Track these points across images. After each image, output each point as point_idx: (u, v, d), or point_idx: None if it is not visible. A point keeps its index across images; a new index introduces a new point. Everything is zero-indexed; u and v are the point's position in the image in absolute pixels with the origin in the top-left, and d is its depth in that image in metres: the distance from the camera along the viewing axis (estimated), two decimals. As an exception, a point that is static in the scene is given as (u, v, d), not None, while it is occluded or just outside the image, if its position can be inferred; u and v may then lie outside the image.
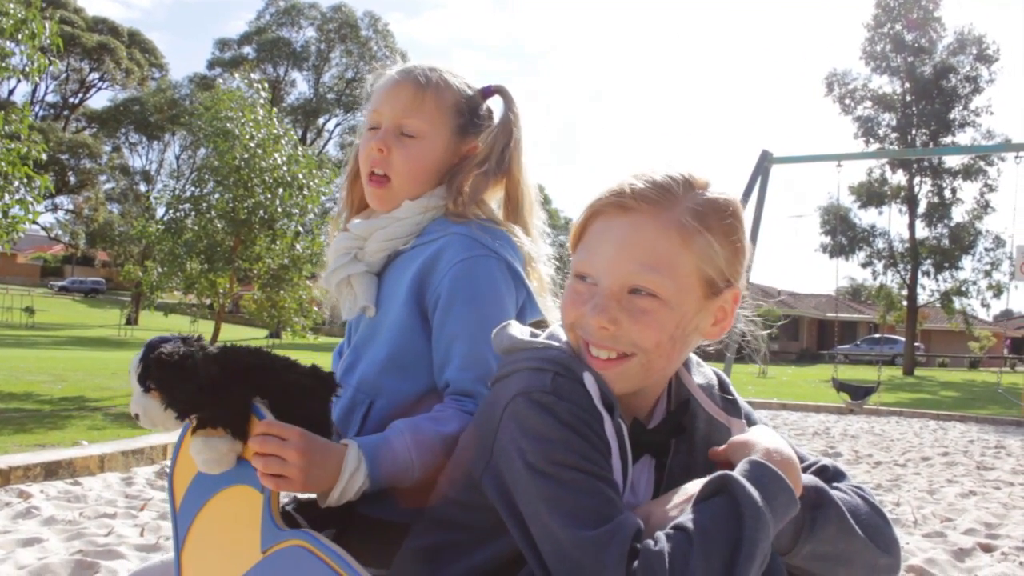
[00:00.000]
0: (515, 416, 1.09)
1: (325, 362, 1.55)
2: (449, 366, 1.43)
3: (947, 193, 32.23)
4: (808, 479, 1.10)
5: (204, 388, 1.26)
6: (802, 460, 1.20)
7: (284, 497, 1.48)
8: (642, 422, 1.20)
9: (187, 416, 1.29)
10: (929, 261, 32.30)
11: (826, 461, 1.21)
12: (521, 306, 1.54)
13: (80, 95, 51.82)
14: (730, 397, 1.29)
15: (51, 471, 4.85)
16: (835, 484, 1.16)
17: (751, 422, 1.27)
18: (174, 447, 1.48)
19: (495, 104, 1.65)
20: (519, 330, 1.24)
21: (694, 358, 1.31)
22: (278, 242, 10.65)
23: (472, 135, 1.61)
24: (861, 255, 33.62)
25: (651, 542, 0.95)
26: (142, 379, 1.29)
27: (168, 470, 1.51)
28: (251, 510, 1.31)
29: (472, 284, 1.44)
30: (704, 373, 1.30)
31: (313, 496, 1.46)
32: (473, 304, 1.42)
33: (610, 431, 1.09)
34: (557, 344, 1.18)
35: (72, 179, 45.86)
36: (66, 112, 51.10)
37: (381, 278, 1.59)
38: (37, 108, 46.92)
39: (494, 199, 1.63)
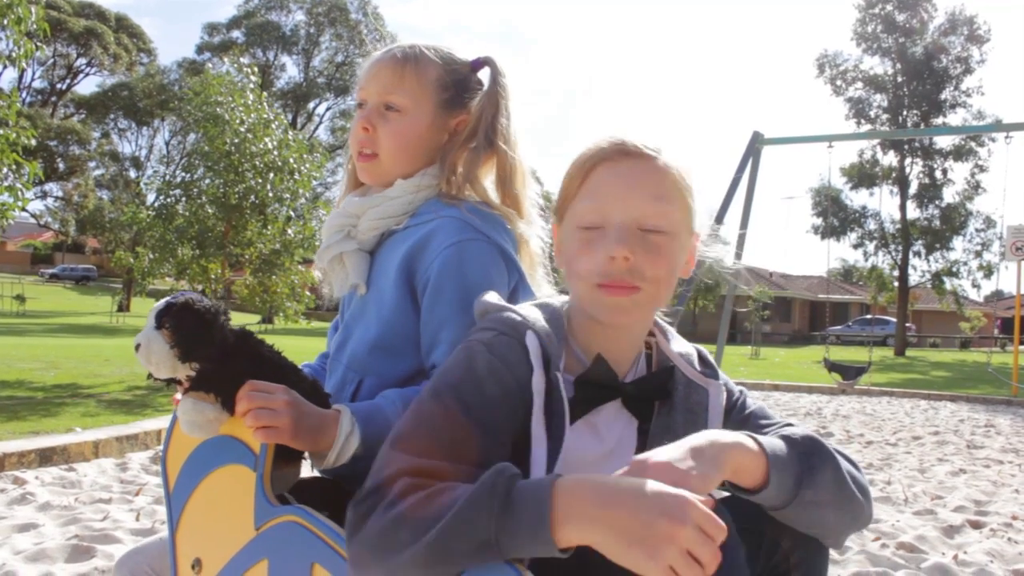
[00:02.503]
0: (447, 362, 1.19)
1: (318, 347, 1.56)
2: (436, 350, 1.44)
3: (938, 174, 32.25)
4: (801, 431, 1.16)
5: (214, 344, 1.30)
6: (769, 419, 1.28)
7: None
8: (615, 372, 1.23)
9: (188, 359, 1.30)
10: (920, 242, 32.36)
11: (793, 422, 1.26)
12: (513, 288, 1.54)
13: (68, 81, 51.35)
14: (708, 364, 1.34)
15: (45, 457, 4.85)
16: None
17: (731, 391, 1.33)
18: (167, 430, 1.50)
19: (485, 76, 1.64)
20: (493, 296, 1.29)
21: (671, 330, 1.36)
22: (269, 227, 10.62)
23: (461, 109, 1.60)
24: (852, 236, 33.66)
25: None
26: (159, 316, 1.31)
27: (161, 452, 1.52)
28: (244, 488, 1.32)
29: (462, 268, 1.43)
30: (682, 344, 1.35)
31: (305, 478, 1.47)
32: (463, 289, 1.42)
33: (539, 386, 1.14)
34: (525, 310, 1.23)
35: (61, 166, 45.51)
36: (54, 98, 50.64)
37: (373, 256, 1.59)
38: (24, 94, 46.44)
39: (488, 176, 1.62)
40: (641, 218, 1.16)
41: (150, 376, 1.35)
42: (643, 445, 1.23)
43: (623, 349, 1.27)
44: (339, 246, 1.57)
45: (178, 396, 1.37)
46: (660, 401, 1.26)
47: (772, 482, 1.07)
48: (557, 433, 1.15)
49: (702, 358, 1.34)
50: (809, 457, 1.12)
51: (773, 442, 1.11)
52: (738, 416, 1.30)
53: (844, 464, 1.17)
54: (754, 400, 1.34)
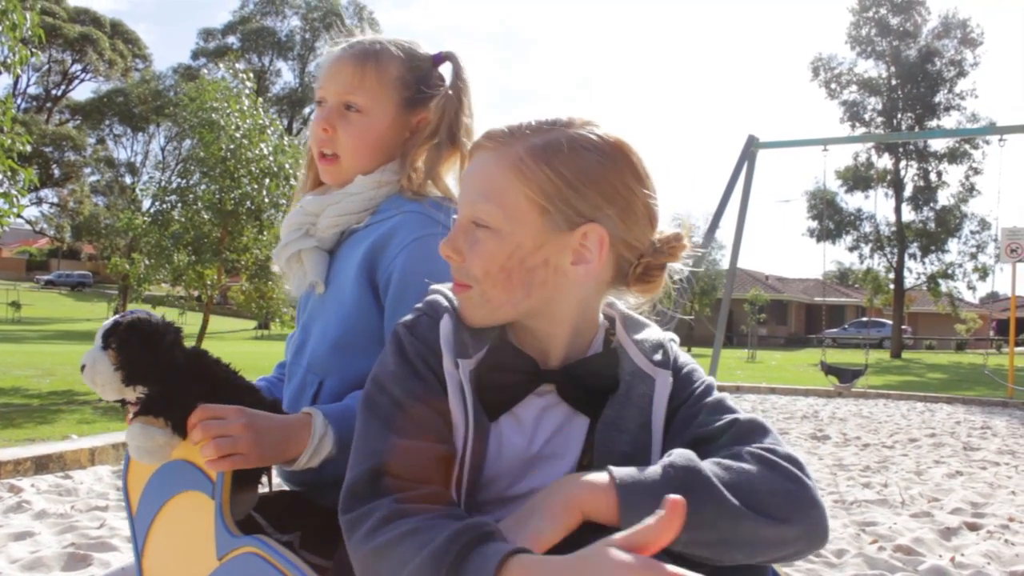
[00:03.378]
0: (381, 355, 1.18)
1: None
2: None
3: (933, 177, 32.39)
4: (681, 459, 1.01)
5: (161, 366, 1.25)
6: (718, 415, 1.13)
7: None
8: (536, 360, 1.15)
9: (133, 382, 1.26)
10: (915, 244, 32.48)
11: (740, 416, 1.12)
12: None
13: (63, 87, 51.31)
14: (666, 351, 1.21)
15: (41, 465, 4.84)
16: (738, 450, 1.06)
17: (684, 372, 1.20)
18: (125, 454, 1.47)
19: (447, 71, 1.60)
20: (437, 285, 1.26)
21: (640, 319, 1.25)
22: (265, 233, 10.61)
23: (422, 106, 1.57)
24: (848, 239, 33.79)
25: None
26: (106, 335, 1.27)
27: (122, 477, 1.50)
28: (204, 516, 1.30)
29: (426, 264, 1.40)
30: (649, 332, 1.23)
31: (274, 493, 1.46)
32: (426, 285, 1.37)
33: (450, 370, 1.11)
34: (450, 292, 1.21)
35: (56, 172, 45.43)
36: (49, 104, 50.59)
37: (333, 255, 1.56)
38: (19, 100, 46.43)
39: (451, 172, 1.58)
40: (470, 213, 1.13)
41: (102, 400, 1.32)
42: (590, 446, 1.15)
43: (553, 335, 1.16)
44: (297, 244, 1.54)
45: (129, 418, 1.33)
46: (610, 393, 1.15)
47: (625, 523, 0.92)
48: (480, 420, 1.11)
49: (663, 346, 1.21)
50: (683, 494, 0.91)
51: (642, 475, 0.99)
52: (687, 411, 1.16)
53: (757, 482, 1.01)
54: (721, 394, 1.19)
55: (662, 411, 1.16)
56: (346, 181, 1.55)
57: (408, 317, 1.18)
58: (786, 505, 1.00)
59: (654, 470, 1.00)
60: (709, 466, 1.01)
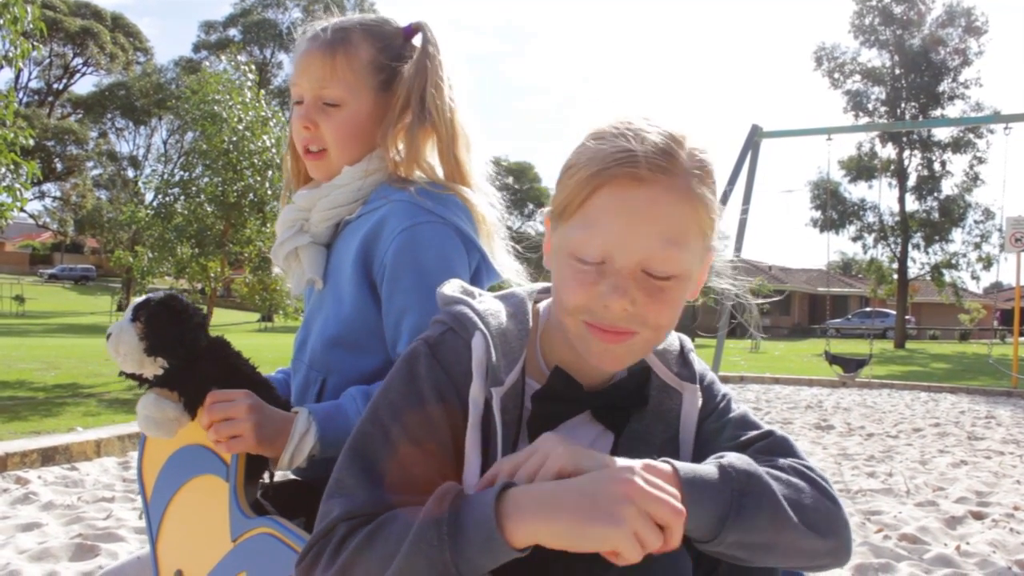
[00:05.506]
0: (391, 370, 1.09)
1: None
2: (400, 341, 1.38)
3: (937, 166, 32.29)
4: (740, 462, 0.99)
5: (186, 344, 1.29)
6: (747, 430, 1.13)
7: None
8: (578, 381, 1.09)
9: (155, 354, 1.29)
10: (919, 234, 32.40)
11: (775, 430, 1.12)
12: (475, 270, 1.48)
13: (64, 80, 51.26)
14: (687, 362, 1.19)
15: (48, 457, 4.85)
16: (777, 462, 1.06)
17: (706, 384, 1.18)
18: (139, 441, 1.49)
19: (419, 42, 1.55)
20: (450, 287, 1.17)
21: None
22: (269, 225, 10.61)
23: (398, 84, 1.52)
24: (851, 229, 33.72)
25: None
26: (136, 308, 1.31)
27: (136, 463, 1.51)
28: (219, 499, 1.32)
29: (418, 253, 1.37)
30: (668, 339, 1.20)
31: (282, 481, 1.46)
32: (420, 275, 1.36)
33: (475, 397, 1.03)
34: (484, 304, 1.12)
35: (59, 166, 45.47)
36: (50, 98, 50.55)
37: (330, 249, 1.55)
38: (21, 94, 46.37)
39: (432, 150, 1.53)
40: (647, 260, 0.98)
41: (121, 373, 1.34)
42: (614, 452, 1.12)
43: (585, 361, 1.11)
44: (293, 241, 1.53)
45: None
46: (639, 408, 1.13)
47: (688, 515, 0.90)
48: (494, 452, 1.03)
49: (683, 354, 1.19)
50: (741, 496, 0.95)
51: (699, 471, 0.96)
52: (714, 424, 1.14)
53: (805, 496, 1.01)
54: (741, 405, 1.18)
55: (692, 425, 1.14)
56: (335, 174, 1.53)
57: (430, 333, 1.09)
58: (825, 521, 1.01)
59: (710, 469, 0.97)
60: (764, 470, 1.01)
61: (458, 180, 1.50)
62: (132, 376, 1.34)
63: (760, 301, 1.28)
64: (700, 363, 1.21)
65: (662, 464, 0.94)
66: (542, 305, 1.18)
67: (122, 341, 1.29)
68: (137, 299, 1.33)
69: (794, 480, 1.02)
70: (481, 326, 1.06)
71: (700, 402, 1.15)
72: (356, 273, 1.43)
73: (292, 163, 1.66)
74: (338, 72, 1.47)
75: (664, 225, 0.98)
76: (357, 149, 1.52)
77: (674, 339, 1.21)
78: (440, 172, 1.51)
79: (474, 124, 1.55)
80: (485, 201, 1.52)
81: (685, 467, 0.95)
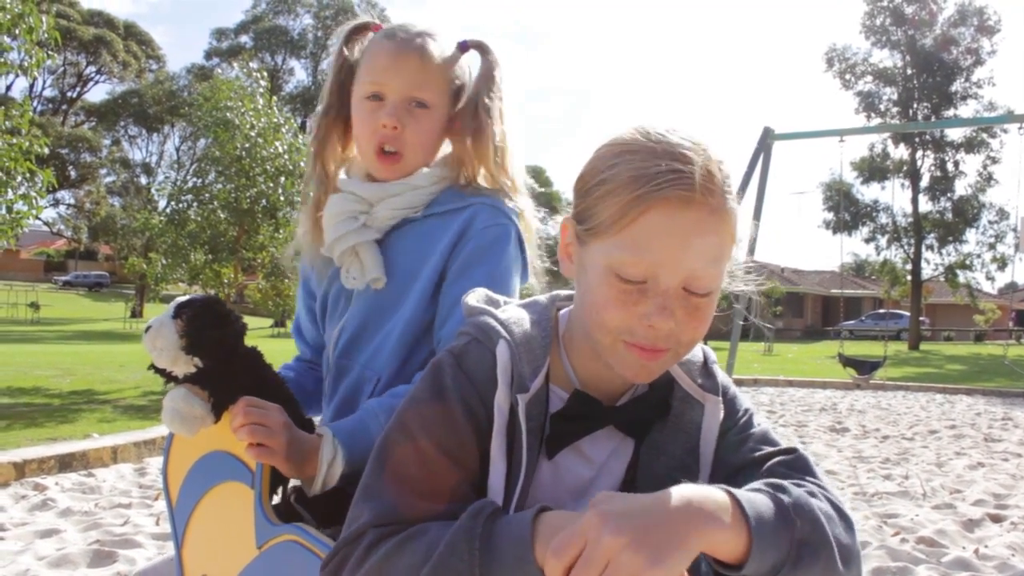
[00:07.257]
0: (418, 381, 1.10)
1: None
2: (446, 325, 1.41)
3: (950, 166, 32.11)
4: (803, 500, 0.95)
5: (224, 347, 1.31)
6: (764, 448, 1.11)
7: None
8: (597, 398, 1.10)
9: (192, 352, 1.30)
10: (933, 235, 32.22)
11: (798, 447, 1.11)
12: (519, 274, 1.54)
13: (78, 89, 51.74)
14: (710, 373, 1.19)
15: (65, 463, 4.89)
16: (801, 481, 1.03)
17: (728, 397, 1.18)
18: (164, 447, 1.50)
19: (473, 58, 1.59)
20: (474, 297, 1.19)
21: None
22: (281, 231, 10.66)
23: (459, 97, 1.56)
24: (864, 230, 33.57)
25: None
26: (179, 306, 1.33)
27: (162, 469, 1.52)
28: (244, 505, 1.32)
29: (491, 251, 1.44)
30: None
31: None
32: (488, 270, 1.43)
33: (500, 404, 1.04)
34: (508, 312, 1.13)
35: (73, 173, 45.81)
36: (64, 106, 51.03)
37: (382, 245, 1.54)
38: (35, 103, 46.86)
39: (489, 159, 1.56)
40: (690, 280, 0.99)
41: (151, 367, 1.34)
42: (635, 463, 1.13)
43: (611, 373, 1.10)
44: (355, 236, 1.51)
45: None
46: (661, 418, 1.13)
47: (749, 564, 0.87)
48: (519, 458, 1.04)
49: (706, 366, 1.18)
50: (800, 547, 0.91)
51: (761, 509, 0.91)
52: (735, 437, 1.13)
53: (841, 544, 0.97)
54: (764, 421, 1.17)
55: (712, 437, 1.13)
56: (405, 175, 1.53)
57: (455, 344, 1.11)
58: (847, 556, 0.98)
59: (768, 505, 0.93)
60: (818, 507, 0.97)
61: (510, 189, 1.55)
62: (161, 372, 1.35)
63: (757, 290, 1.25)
64: (723, 375, 1.21)
65: (719, 493, 0.90)
66: (563, 312, 1.18)
67: (161, 335, 1.31)
68: (181, 297, 1.35)
69: (833, 514, 0.99)
70: (505, 334, 1.08)
71: (722, 414, 1.14)
72: (435, 276, 1.46)
73: (317, 162, 1.62)
74: (432, 76, 1.50)
75: (708, 244, 0.98)
76: (429, 153, 1.55)
77: (697, 350, 1.19)
78: (500, 179, 1.55)
79: (518, 134, 1.61)
80: (528, 205, 1.57)
81: (747, 501, 0.90)
